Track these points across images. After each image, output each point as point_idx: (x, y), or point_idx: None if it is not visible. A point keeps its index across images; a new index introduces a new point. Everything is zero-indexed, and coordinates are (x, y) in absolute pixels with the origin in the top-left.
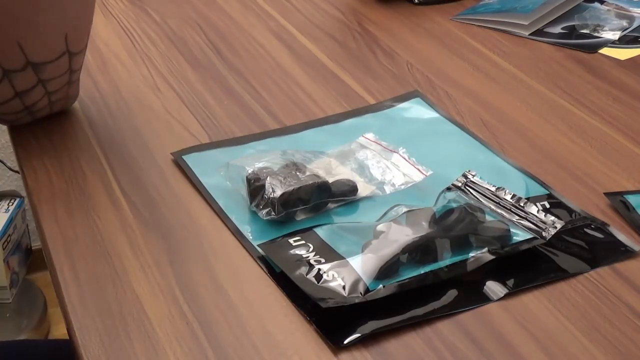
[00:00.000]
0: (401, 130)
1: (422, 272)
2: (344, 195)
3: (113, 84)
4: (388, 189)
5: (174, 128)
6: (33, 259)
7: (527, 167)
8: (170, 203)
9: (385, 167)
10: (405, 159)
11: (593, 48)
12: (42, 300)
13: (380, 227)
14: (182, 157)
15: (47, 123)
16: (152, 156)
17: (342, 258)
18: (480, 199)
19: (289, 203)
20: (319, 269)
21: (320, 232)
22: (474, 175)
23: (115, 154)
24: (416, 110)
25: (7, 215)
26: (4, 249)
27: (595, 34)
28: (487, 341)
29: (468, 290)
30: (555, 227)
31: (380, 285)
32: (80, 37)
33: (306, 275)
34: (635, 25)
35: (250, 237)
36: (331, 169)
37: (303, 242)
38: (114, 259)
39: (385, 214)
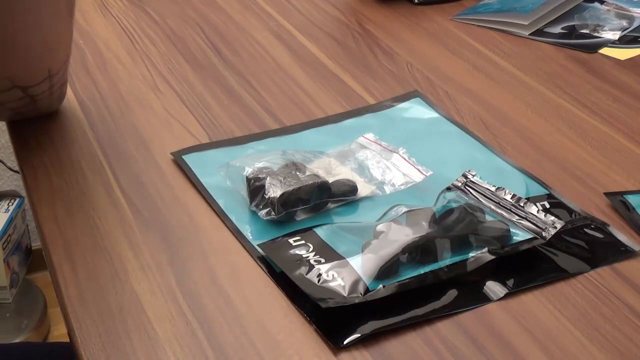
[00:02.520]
0: (401, 130)
1: (422, 272)
2: (344, 195)
3: (113, 84)
4: (388, 189)
5: (174, 128)
6: (33, 259)
7: (527, 167)
8: (170, 203)
9: (385, 167)
10: (405, 159)
11: (593, 48)
12: (42, 300)
13: (380, 227)
14: (182, 157)
15: (47, 123)
16: (152, 156)
17: (342, 258)
18: (480, 199)
19: (289, 203)
20: (319, 269)
21: (320, 232)
22: (474, 175)
23: (115, 154)
24: (416, 110)
25: (7, 215)
26: (4, 249)
27: (595, 34)
28: (487, 341)
29: (468, 290)
30: (555, 227)
31: (380, 285)
32: (60, 62)
33: (306, 275)
34: (635, 25)
35: (250, 237)
36: (331, 169)
37: (303, 242)
38: (114, 259)
39: (385, 214)
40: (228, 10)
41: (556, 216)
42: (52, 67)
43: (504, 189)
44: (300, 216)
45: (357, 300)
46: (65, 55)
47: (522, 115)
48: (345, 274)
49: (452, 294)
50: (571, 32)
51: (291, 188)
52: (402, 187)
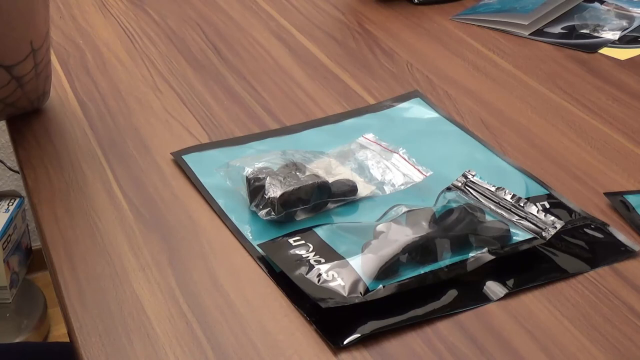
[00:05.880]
0: (401, 130)
1: (422, 272)
2: (344, 195)
3: (113, 84)
4: (388, 189)
5: (174, 128)
6: (33, 259)
7: (527, 167)
8: (170, 203)
9: (385, 168)
10: (405, 159)
11: (593, 48)
12: (42, 300)
13: (380, 227)
14: (182, 157)
15: (47, 123)
16: (152, 156)
17: (342, 258)
18: (480, 199)
19: (289, 203)
20: (319, 269)
21: (320, 232)
22: (473, 175)
23: (115, 154)
24: (416, 110)
25: (7, 215)
26: (4, 249)
27: (595, 34)
28: (487, 341)
29: (468, 290)
30: (555, 227)
31: (380, 286)
32: (41, 36)
33: (306, 275)
34: (635, 25)
35: (250, 237)
36: (331, 169)
37: (303, 242)
38: (114, 259)
39: (385, 214)
40: (228, 10)
41: (556, 216)
42: (33, 40)
43: (504, 189)
44: (300, 216)
45: (357, 300)
46: (45, 28)
47: (522, 115)
48: (345, 274)
49: (452, 294)
50: (571, 32)
51: (291, 188)
52: (402, 187)
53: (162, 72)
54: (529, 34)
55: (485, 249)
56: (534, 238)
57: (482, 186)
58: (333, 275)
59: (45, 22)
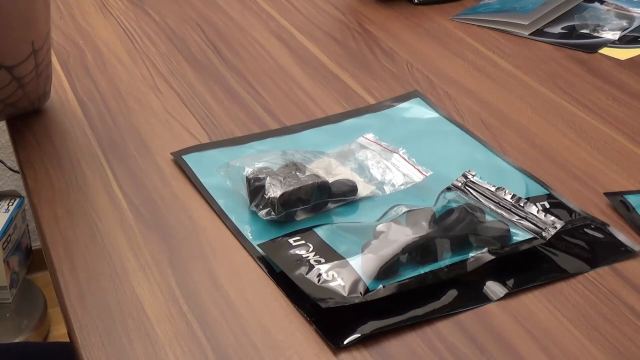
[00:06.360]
0: (401, 130)
1: (422, 272)
2: (344, 195)
3: (113, 84)
4: (388, 189)
5: (174, 128)
6: (33, 259)
7: (527, 167)
8: (170, 203)
9: (385, 168)
10: (405, 159)
11: (593, 48)
12: (42, 300)
13: (380, 227)
14: (182, 157)
15: (47, 123)
16: (152, 156)
17: (342, 258)
18: (480, 199)
19: (289, 203)
20: (319, 269)
21: (320, 232)
22: (473, 175)
23: (115, 154)
24: (416, 110)
25: (7, 215)
26: (4, 249)
27: (595, 34)
28: (487, 341)
29: (468, 290)
30: (555, 227)
31: (380, 286)
32: (42, 36)
33: (306, 275)
34: (635, 25)
35: (250, 237)
36: (331, 169)
37: (303, 242)
38: (114, 259)
39: (385, 214)
40: (228, 10)
41: (556, 216)
42: (35, 40)
43: (504, 189)
44: (300, 216)
45: (357, 300)
46: (46, 28)
47: (522, 115)
48: (345, 274)
49: (452, 294)
50: (571, 32)
51: (291, 188)
52: (402, 187)
53: (162, 72)
54: (529, 34)
55: (485, 249)
56: (534, 238)
57: (482, 186)
58: (333, 275)
59: (46, 22)
